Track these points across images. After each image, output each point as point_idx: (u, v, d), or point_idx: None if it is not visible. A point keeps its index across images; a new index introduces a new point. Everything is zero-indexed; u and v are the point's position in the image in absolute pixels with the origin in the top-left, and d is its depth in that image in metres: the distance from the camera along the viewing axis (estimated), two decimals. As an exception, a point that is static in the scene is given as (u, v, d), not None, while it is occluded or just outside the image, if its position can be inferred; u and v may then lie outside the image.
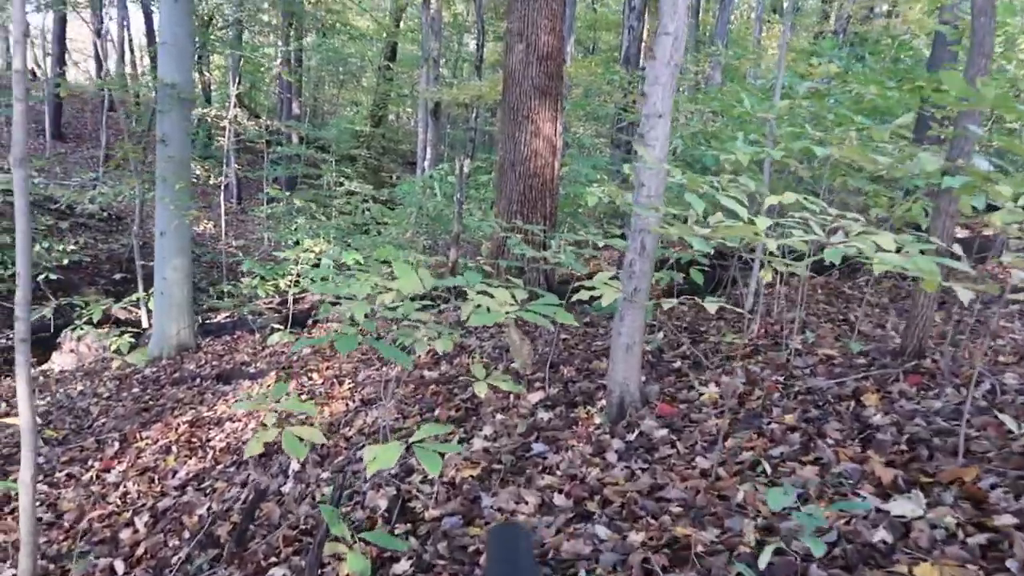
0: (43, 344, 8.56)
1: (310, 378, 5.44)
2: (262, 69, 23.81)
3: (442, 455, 2.88)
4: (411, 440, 2.42)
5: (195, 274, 14.21)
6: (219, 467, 4.13)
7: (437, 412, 4.11)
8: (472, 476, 3.19)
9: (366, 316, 3.28)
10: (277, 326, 7.93)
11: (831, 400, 3.54)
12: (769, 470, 2.87)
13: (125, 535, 3.57)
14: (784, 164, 6.03)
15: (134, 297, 7.96)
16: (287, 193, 17.15)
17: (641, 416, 3.55)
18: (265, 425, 3.56)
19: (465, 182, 8.02)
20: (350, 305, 3.06)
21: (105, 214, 14.83)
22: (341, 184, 14.63)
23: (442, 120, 24.90)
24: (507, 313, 3.10)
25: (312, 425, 4.28)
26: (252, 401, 2.72)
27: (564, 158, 9.94)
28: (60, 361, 9.06)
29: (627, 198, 6.63)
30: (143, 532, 3.57)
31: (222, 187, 12.39)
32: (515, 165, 6.36)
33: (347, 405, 4.65)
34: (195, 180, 12.99)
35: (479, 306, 3.16)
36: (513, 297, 3.27)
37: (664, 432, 3.35)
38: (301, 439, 2.58)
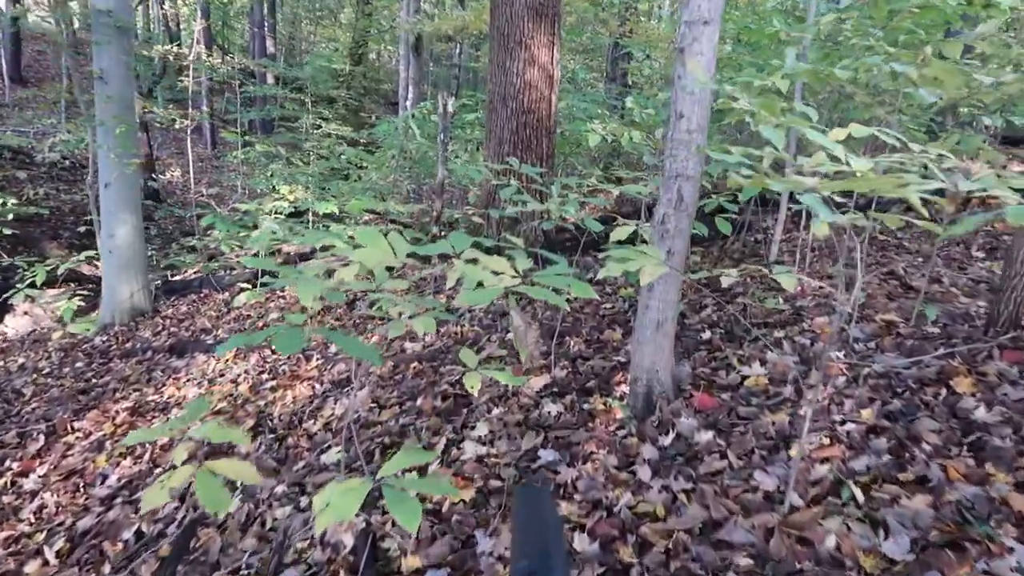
0: (-6, 307, 7.70)
1: (273, 352, 4.65)
2: (238, 6, 22.36)
3: (423, 498, 2.11)
4: (379, 475, 1.66)
5: (166, 227, 13.32)
6: (157, 470, 3.36)
7: (420, 402, 3.34)
8: (464, 502, 2.43)
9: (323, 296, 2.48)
10: (245, 285, 7.10)
11: (912, 386, 2.79)
12: (859, 496, 2.13)
13: (32, 568, 2.81)
14: (814, 92, 5.16)
15: (91, 253, 7.07)
16: (262, 137, 16.10)
17: (675, 411, 2.79)
18: (176, 465, 2.80)
19: (449, 121, 7.11)
20: (297, 282, 2.25)
21: (68, 162, 13.78)
22: (319, 127, 13.63)
23: (424, 57, 23.58)
24: (506, 289, 2.30)
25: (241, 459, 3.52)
26: (159, 428, 1.92)
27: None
28: (13, 325, 8.22)
29: (634, 136, 5.77)
30: (54, 565, 2.82)
31: (188, 132, 11.34)
32: (506, 100, 5.47)
33: (313, 388, 3.87)
34: (159, 123, 11.96)
35: (474, 285, 2.37)
36: (513, 266, 2.47)
37: (708, 435, 2.59)
38: (231, 479, 1.80)
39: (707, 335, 3.65)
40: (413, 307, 2.93)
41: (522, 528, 0.65)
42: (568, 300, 4.53)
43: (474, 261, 2.45)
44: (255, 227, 8.47)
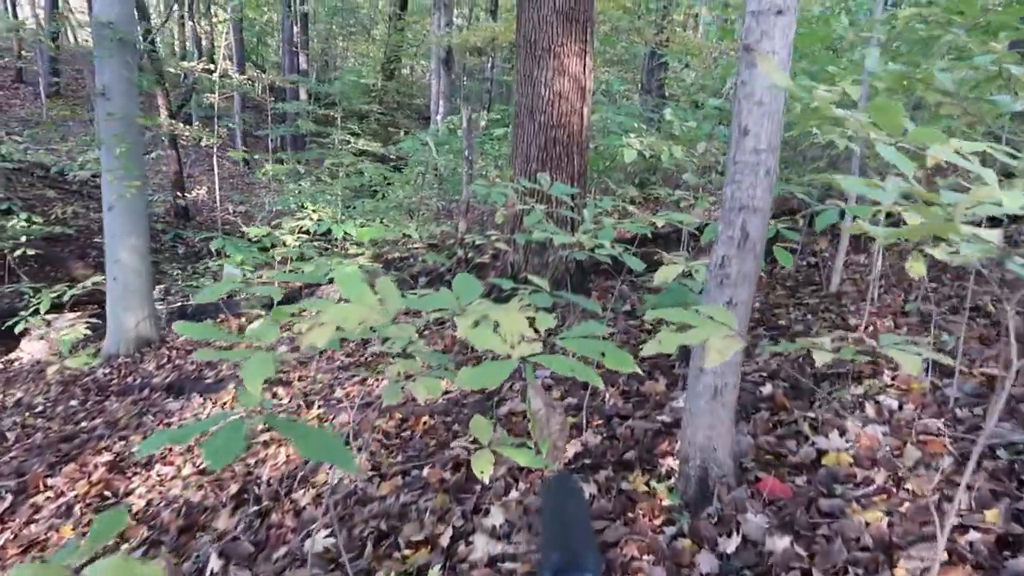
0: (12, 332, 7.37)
1: (275, 395, 4.14)
2: (266, 22, 22.26)
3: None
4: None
5: (194, 246, 13.03)
6: (122, 548, 2.86)
7: (427, 472, 2.79)
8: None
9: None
10: (260, 312, 6.65)
11: (1043, 473, 2.16)
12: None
13: None
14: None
15: (99, 278, 6.68)
16: (293, 153, 15.82)
17: (738, 503, 2.20)
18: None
19: (474, 135, 6.59)
20: (243, 364, 1.72)
21: (98, 180, 13.59)
22: (348, 143, 13.26)
23: (456, 70, 23.20)
24: (523, 359, 1.75)
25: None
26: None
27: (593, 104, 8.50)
28: (29, 350, 7.89)
29: (675, 151, 5.17)
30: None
31: (215, 149, 11.02)
32: (534, 113, 4.92)
33: (310, 445, 3.35)
34: (187, 140, 11.66)
35: (474, 363, 1.82)
36: (532, 324, 1.92)
37: (784, 541, 1.99)
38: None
39: (767, 389, 3.05)
40: (414, 361, 2.41)
41: (552, 519, 0.63)
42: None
43: (480, 320, 1.90)
44: (274, 247, 8.07)
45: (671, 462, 2.54)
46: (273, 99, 18.74)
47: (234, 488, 3.04)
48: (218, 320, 7.45)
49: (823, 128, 3.81)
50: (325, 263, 5.19)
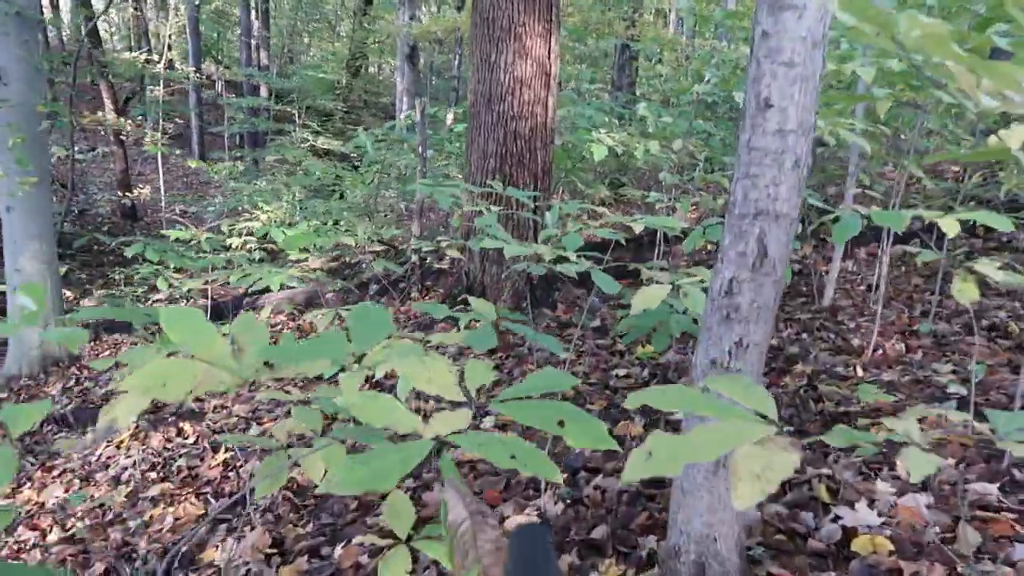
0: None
1: (180, 432, 3.46)
2: (229, 16, 21.32)
3: None
4: None
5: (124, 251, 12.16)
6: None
7: (339, 551, 2.14)
8: None
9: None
10: (187, 325, 5.90)
11: None
12: None
13: None
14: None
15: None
16: (250, 151, 15.00)
17: (748, 618, 1.59)
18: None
19: (426, 130, 5.94)
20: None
21: (37, 178, 12.66)
22: (306, 140, 12.52)
23: (421, 67, 22.49)
24: (438, 442, 1.12)
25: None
26: None
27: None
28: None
29: (651, 147, 4.58)
30: None
31: (159, 145, 10.20)
32: (492, 102, 4.29)
33: (207, 503, 2.68)
34: (125, 137, 10.83)
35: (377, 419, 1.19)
36: (460, 380, 1.31)
37: None
38: None
39: (769, 434, 2.45)
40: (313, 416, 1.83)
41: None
42: (570, 358, 3.35)
43: (375, 387, 1.28)
44: (218, 251, 7.36)
45: (653, 541, 1.93)
46: (234, 95, 17.89)
47: (100, 568, 2.36)
48: (148, 331, 6.71)
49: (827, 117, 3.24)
50: (257, 269, 4.50)
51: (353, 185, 7.69)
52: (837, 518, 1.91)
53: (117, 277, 8.04)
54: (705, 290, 2.08)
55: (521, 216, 3.24)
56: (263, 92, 17.91)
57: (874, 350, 3.14)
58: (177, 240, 5.88)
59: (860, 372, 2.94)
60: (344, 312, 3.74)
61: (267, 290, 7.09)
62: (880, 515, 1.89)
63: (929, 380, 2.77)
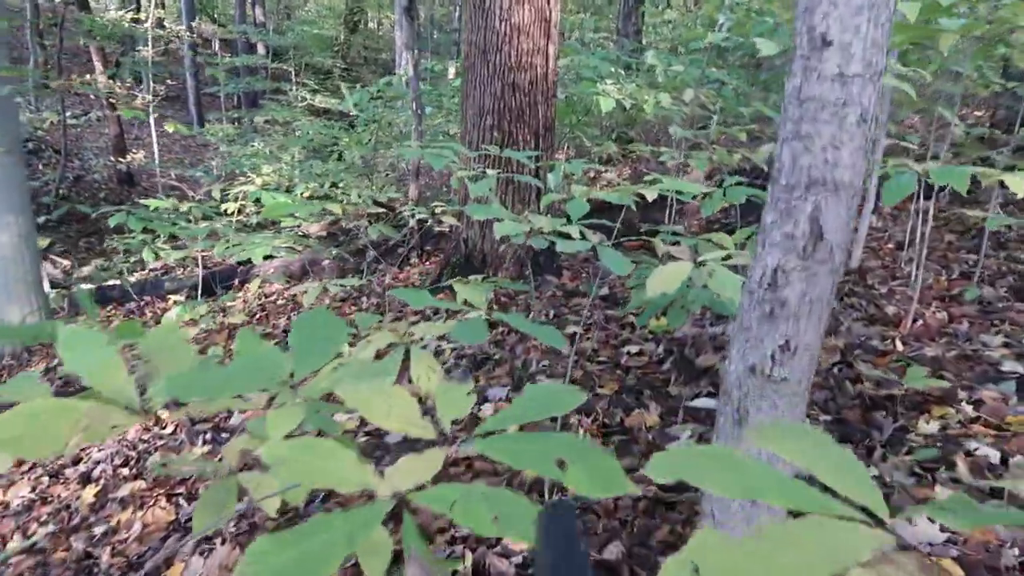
0: None
1: (158, 420, 3.20)
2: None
3: None
4: None
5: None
6: None
7: None
8: None
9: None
10: (177, 298, 5.66)
11: None
12: None
13: None
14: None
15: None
16: (247, 111, 14.56)
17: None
18: None
19: (419, 85, 5.56)
20: None
21: (30, 144, 12.30)
22: (304, 99, 12.09)
23: (420, 20, 21.81)
24: (401, 500, 0.83)
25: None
26: None
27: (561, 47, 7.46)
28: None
29: (662, 99, 4.20)
30: None
31: (149, 107, 9.82)
32: (487, 52, 3.92)
33: (178, 508, 2.42)
34: (111, 97, 10.42)
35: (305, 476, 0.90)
36: (429, 412, 1.01)
37: None
38: None
39: (801, 424, 2.16)
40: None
41: (546, 559, 0.54)
42: (581, 335, 3.05)
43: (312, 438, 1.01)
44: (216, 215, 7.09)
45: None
46: (230, 54, 17.34)
47: (58, 585, 2.12)
48: (141, 303, 6.46)
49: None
50: (242, 240, 4.20)
51: (349, 145, 7.31)
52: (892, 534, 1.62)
53: (108, 247, 7.77)
54: (733, 268, 1.77)
55: (521, 179, 2.90)
56: (260, 50, 17.37)
57: (913, 320, 2.82)
58: (166, 209, 5.58)
59: (899, 346, 2.63)
60: (333, 287, 3.44)
61: (265, 258, 6.80)
62: (944, 530, 1.60)
63: (979, 355, 2.46)
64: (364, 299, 4.88)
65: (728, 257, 1.76)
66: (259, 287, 5.53)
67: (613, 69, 5.21)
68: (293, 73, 13.57)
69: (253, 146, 10.27)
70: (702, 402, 2.39)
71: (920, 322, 2.79)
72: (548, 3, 3.93)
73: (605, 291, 3.84)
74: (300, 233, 7.21)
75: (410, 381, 1.68)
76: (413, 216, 4.57)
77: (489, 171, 2.88)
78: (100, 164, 11.67)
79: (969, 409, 2.09)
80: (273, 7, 21.11)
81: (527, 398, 0.99)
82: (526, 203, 4.05)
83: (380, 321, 2.19)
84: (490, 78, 3.93)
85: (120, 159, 11.34)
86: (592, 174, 9.22)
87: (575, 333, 3.29)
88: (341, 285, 3.43)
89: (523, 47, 3.90)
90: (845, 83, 1.04)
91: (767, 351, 1.21)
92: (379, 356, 1.72)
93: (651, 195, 1.99)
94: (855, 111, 1.06)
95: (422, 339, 2.43)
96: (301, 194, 8.35)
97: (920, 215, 3.40)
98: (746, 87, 5.69)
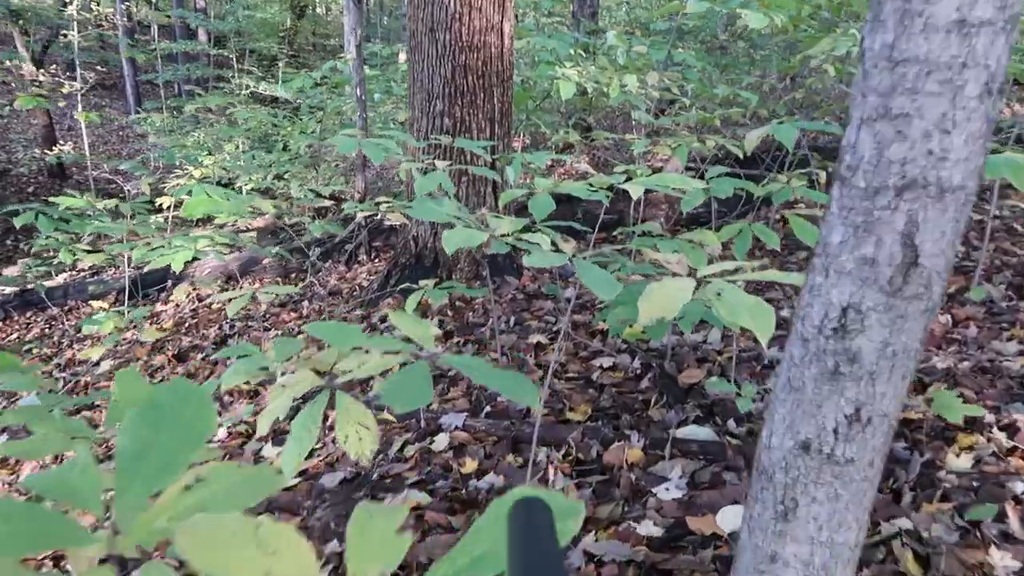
0: None
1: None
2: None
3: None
4: None
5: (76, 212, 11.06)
6: None
7: None
8: None
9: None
10: (101, 304, 5.13)
11: None
12: None
13: None
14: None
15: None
16: (184, 100, 13.77)
17: None
18: None
19: (363, 68, 5.12)
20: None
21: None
22: (247, 87, 11.44)
23: (370, 5, 21.17)
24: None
25: None
26: None
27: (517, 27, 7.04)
28: None
29: (629, 82, 3.85)
30: None
31: (78, 95, 9.11)
32: (435, 30, 3.50)
33: (68, 577, 1.98)
34: (38, 87, 9.68)
35: None
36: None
37: None
38: None
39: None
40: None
41: (518, 550, 0.50)
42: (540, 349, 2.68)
43: None
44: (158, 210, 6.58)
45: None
46: (169, 40, 16.41)
47: None
48: (65, 307, 5.89)
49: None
50: (163, 243, 3.73)
51: (290, 135, 6.79)
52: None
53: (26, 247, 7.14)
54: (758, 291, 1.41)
55: (476, 172, 2.51)
56: (201, 36, 16.52)
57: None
58: (87, 207, 5.04)
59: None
60: (263, 295, 3.01)
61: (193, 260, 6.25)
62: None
63: (997, 367, 2.16)
64: (306, 303, 4.44)
65: (735, 271, 1.40)
66: (192, 291, 5.03)
67: (572, 51, 4.83)
68: (234, 59, 12.84)
69: (192, 136, 9.63)
70: (691, 431, 2.04)
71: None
72: (502, -25, 3.53)
73: (571, 292, 3.48)
74: (241, 229, 6.70)
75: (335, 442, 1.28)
76: (358, 211, 4.13)
77: (439, 163, 2.48)
78: (27, 157, 10.86)
79: (1002, 437, 1.78)
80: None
81: (471, 545, 0.61)
82: (482, 198, 3.66)
83: (305, 347, 1.80)
84: (439, 59, 3.51)
85: (46, 151, 10.56)
86: (549, 162, 8.85)
87: (539, 343, 2.92)
88: (274, 293, 3.00)
89: (475, 24, 3.49)
90: (967, 35, 0.68)
91: (827, 422, 0.85)
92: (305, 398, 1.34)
93: (635, 193, 1.62)
94: (979, 77, 0.69)
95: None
96: (243, 187, 7.82)
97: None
98: (712, 69, 5.37)
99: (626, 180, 1.76)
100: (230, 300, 2.95)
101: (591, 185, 1.99)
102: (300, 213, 5.80)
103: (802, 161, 4.55)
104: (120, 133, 14.83)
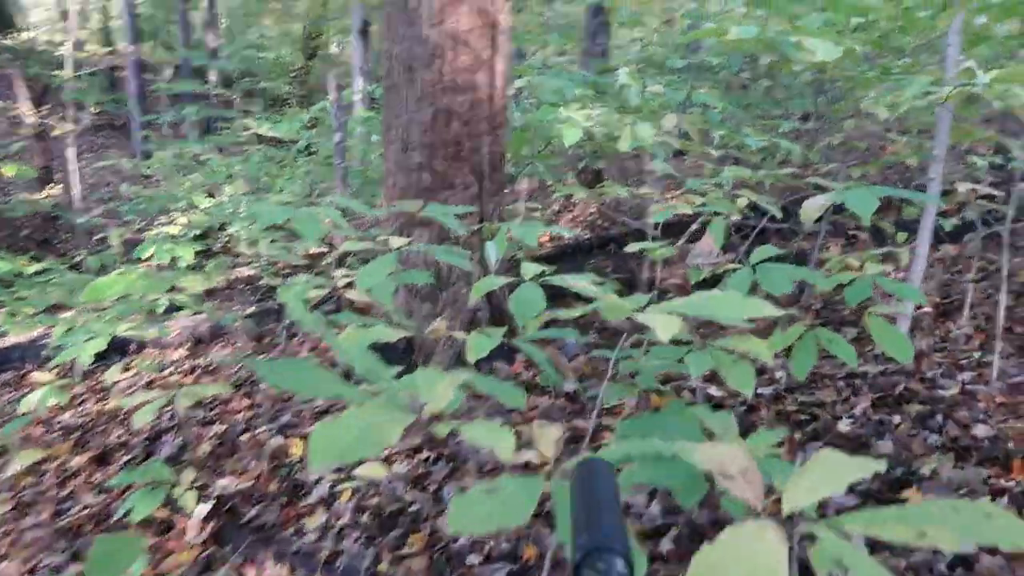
0: None
1: None
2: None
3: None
4: None
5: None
6: None
7: None
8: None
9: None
10: (44, 377, 4.49)
11: None
12: None
13: None
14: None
15: None
16: (191, 142, 13.33)
17: None
18: None
19: (343, 115, 4.52)
20: None
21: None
22: (248, 129, 10.97)
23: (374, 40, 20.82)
24: None
25: None
26: None
27: (513, 62, 6.47)
28: None
29: (643, 133, 3.23)
30: None
31: (72, 136, 8.64)
32: (413, 68, 2.89)
33: None
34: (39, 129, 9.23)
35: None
36: None
37: None
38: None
39: None
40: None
41: (581, 502, 0.61)
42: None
43: None
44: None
45: None
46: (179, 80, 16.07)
47: None
48: (19, 373, 5.29)
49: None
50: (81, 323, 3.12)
51: (271, 180, 6.23)
52: None
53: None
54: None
55: (447, 259, 1.86)
56: (212, 77, 16.18)
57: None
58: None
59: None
60: (184, 397, 2.38)
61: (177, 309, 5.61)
62: None
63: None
64: (263, 384, 3.80)
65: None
66: (152, 361, 4.41)
67: (579, 91, 4.21)
68: (237, 100, 12.42)
69: (187, 180, 9.10)
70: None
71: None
72: (493, 4, 2.92)
73: (572, 385, 2.80)
74: (219, 285, 6.10)
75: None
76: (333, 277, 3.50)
77: (395, 241, 1.84)
78: (13, 201, 10.41)
79: None
80: (227, 32, 20.00)
81: None
82: (453, 301, 3.00)
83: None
84: (417, 102, 2.90)
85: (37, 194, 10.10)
86: (557, 206, 8.21)
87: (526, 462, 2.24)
88: (196, 396, 2.36)
89: (461, 61, 2.88)
90: None
91: None
92: None
93: (666, 331, 0.95)
94: None
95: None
96: (239, 233, 7.24)
97: (972, 261, 2.43)
98: (735, 110, 4.74)
99: (650, 301, 1.10)
100: (138, 407, 2.33)
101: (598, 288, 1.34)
102: (275, 273, 5.19)
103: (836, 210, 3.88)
104: (120, 174, 14.41)
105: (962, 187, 2.21)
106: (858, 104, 3.06)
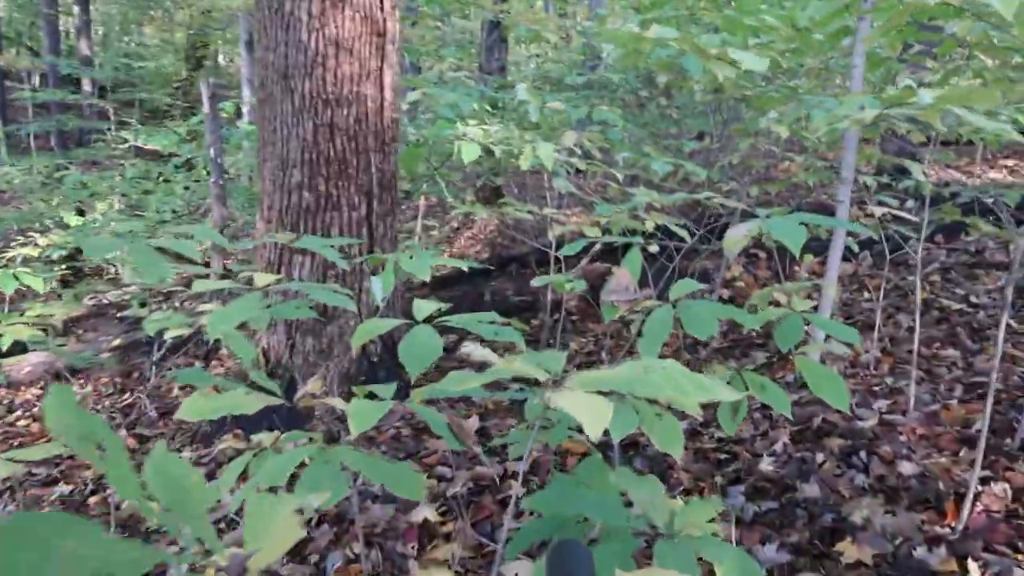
0: None
1: None
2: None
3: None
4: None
5: None
6: None
7: None
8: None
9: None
10: None
11: None
12: None
13: None
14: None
15: None
16: (60, 153, 12.23)
17: None
18: None
19: (219, 129, 4.11)
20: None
21: None
22: (125, 141, 10.13)
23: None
24: None
25: None
26: None
27: (408, 75, 6.23)
28: None
29: (543, 152, 3.03)
30: None
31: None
32: (290, 78, 2.59)
33: None
34: None
35: None
36: None
37: None
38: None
39: None
40: None
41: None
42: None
43: None
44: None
45: None
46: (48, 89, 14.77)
47: None
48: None
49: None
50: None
51: (144, 197, 5.67)
52: None
53: None
54: None
55: (313, 295, 1.57)
56: (86, 86, 14.96)
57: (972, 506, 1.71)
58: None
59: (968, 568, 1.50)
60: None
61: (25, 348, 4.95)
62: None
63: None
64: (146, 413, 3.38)
65: None
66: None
67: (476, 106, 3.99)
68: (111, 111, 11.50)
69: (56, 195, 8.25)
70: None
71: (981, 510, 1.68)
72: (381, 9, 2.66)
73: (475, 423, 2.55)
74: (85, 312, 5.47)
75: None
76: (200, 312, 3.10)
77: (260, 278, 1.54)
78: None
79: None
80: (103, 40, 18.66)
81: None
82: (339, 335, 2.69)
83: None
84: (296, 115, 2.59)
85: None
86: (455, 224, 7.97)
87: (425, 521, 1.98)
88: (17, 462, 1.95)
89: (344, 70, 2.59)
90: None
91: None
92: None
93: (593, 429, 0.72)
94: None
95: None
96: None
97: (871, 280, 2.37)
98: (635, 128, 4.66)
99: (567, 358, 0.88)
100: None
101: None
102: (148, 298, 4.68)
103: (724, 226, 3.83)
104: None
105: (877, 210, 2.14)
106: (756, 123, 2.99)
